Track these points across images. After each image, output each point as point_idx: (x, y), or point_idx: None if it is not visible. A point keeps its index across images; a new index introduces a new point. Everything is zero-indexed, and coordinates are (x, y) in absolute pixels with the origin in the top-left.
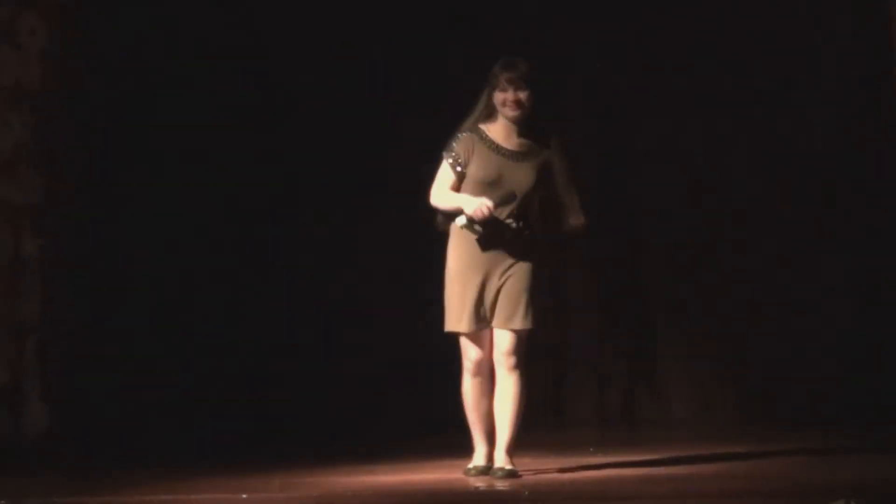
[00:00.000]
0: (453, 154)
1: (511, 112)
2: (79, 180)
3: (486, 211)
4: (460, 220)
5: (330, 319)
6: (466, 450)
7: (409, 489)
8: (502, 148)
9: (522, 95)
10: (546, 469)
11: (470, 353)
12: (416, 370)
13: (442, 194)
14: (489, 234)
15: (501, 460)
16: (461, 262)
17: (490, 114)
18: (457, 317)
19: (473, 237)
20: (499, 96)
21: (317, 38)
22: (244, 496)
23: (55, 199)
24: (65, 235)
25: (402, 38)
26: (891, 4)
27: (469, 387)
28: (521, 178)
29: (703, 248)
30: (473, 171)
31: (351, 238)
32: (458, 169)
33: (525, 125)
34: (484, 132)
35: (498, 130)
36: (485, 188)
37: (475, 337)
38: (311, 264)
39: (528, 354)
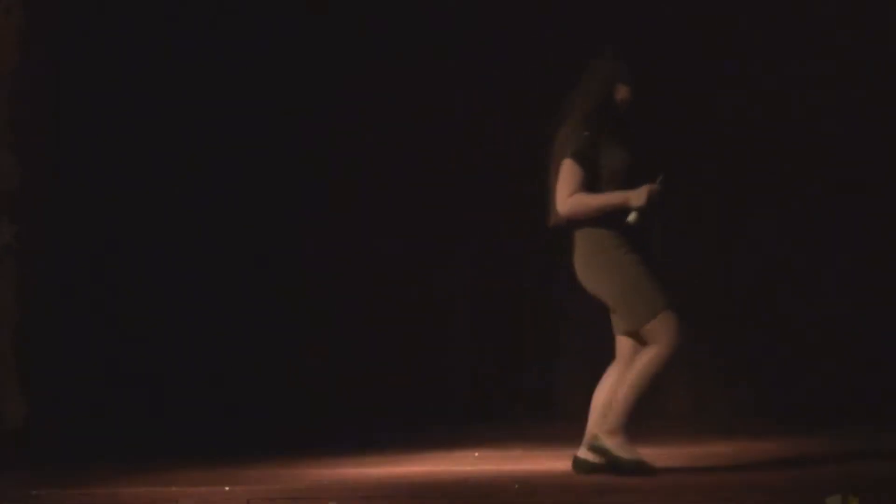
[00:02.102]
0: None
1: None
2: (56, 166)
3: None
4: (632, 216)
5: (316, 310)
6: (454, 443)
7: (395, 481)
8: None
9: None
10: (538, 462)
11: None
12: (405, 363)
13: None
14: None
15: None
16: (624, 247)
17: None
18: (658, 295)
19: (627, 225)
20: (623, 89)
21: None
22: (226, 488)
23: (32, 185)
24: (42, 223)
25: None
26: None
27: (664, 367)
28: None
29: (700, 245)
30: (607, 162)
31: (325, 237)
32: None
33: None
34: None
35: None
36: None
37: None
38: (293, 256)
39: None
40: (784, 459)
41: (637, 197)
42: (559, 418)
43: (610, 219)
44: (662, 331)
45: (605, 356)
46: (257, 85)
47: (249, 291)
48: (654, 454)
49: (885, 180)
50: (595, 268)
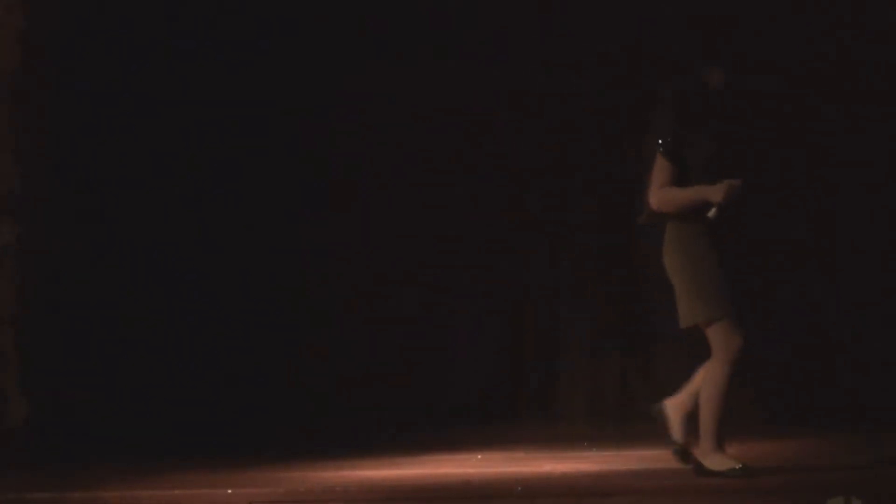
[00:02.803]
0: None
1: None
2: (58, 168)
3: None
4: (711, 212)
5: (316, 310)
6: (452, 445)
7: (397, 484)
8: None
9: None
10: (540, 463)
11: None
12: (406, 363)
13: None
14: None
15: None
16: (705, 243)
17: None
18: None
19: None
20: (715, 74)
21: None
22: (229, 491)
23: (33, 186)
24: (43, 224)
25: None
26: None
27: (728, 380)
28: None
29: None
30: (696, 156)
31: (325, 237)
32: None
33: None
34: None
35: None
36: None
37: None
38: (293, 256)
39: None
40: (784, 461)
41: (715, 192)
42: (560, 419)
43: (696, 213)
44: (719, 340)
45: (607, 355)
46: (257, 85)
47: (250, 291)
48: (653, 456)
49: (884, 180)
50: (674, 258)
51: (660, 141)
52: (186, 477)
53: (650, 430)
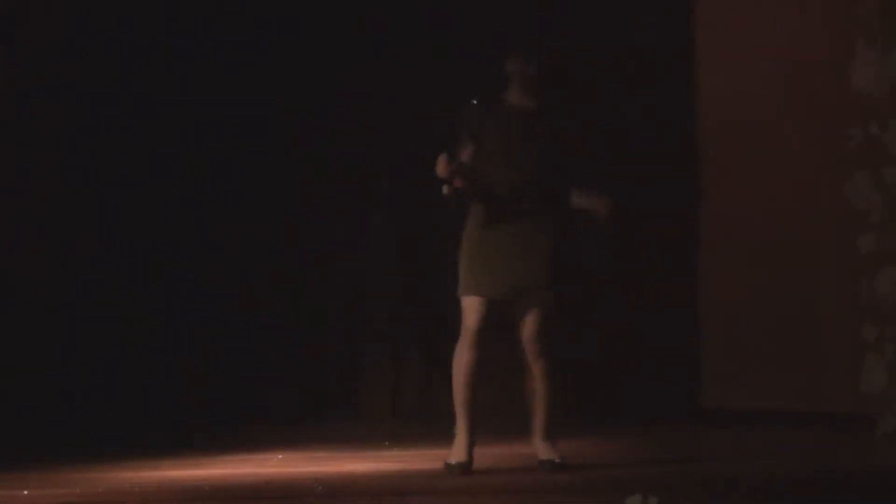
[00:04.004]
0: None
1: None
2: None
3: None
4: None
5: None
6: (253, 445)
7: (194, 483)
8: None
9: None
10: (341, 463)
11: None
12: (203, 364)
13: None
14: None
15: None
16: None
17: None
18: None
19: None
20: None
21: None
22: (25, 492)
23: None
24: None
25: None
26: None
27: (462, 360)
28: None
29: None
30: None
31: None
32: None
33: None
34: None
35: None
36: None
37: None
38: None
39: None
40: (585, 459)
41: (439, 164)
42: (364, 419)
43: (482, 195)
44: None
45: (410, 354)
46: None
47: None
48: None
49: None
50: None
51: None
52: None
53: (450, 428)
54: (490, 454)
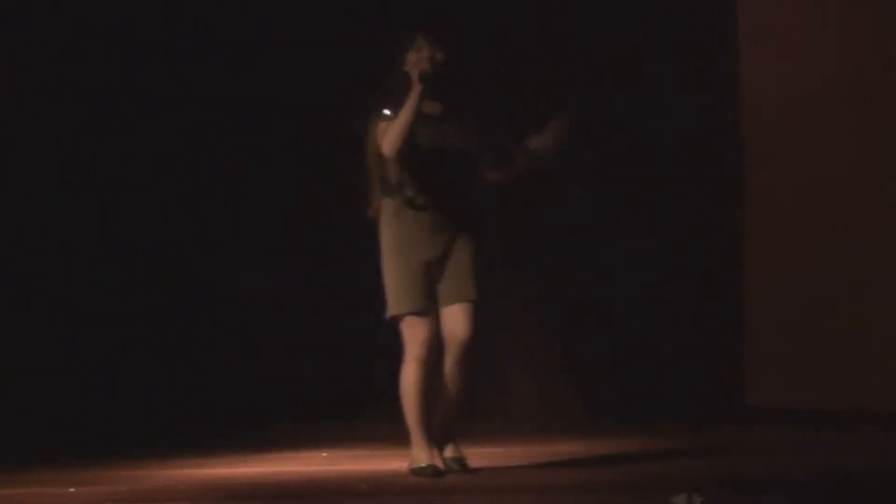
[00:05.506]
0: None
1: None
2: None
3: None
4: None
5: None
6: (297, 443)
7: (238, 482)
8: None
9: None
10: (385, 461)
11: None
12: (247, 364)
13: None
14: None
15: (459, 452)
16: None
17: None
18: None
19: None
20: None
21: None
22: (71, 490)
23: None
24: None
25: None
26: None
27: (417, 377)
28: None
29: (539, 240)
30: None
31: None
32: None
33: None
34: None
35: None
36: None
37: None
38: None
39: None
40: (627, 459)
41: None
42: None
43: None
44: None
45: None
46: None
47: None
48: (494, 454)
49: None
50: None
51: (385, 111)
52: (32, 476)
53: (494, 428)
54: (522, 453)
